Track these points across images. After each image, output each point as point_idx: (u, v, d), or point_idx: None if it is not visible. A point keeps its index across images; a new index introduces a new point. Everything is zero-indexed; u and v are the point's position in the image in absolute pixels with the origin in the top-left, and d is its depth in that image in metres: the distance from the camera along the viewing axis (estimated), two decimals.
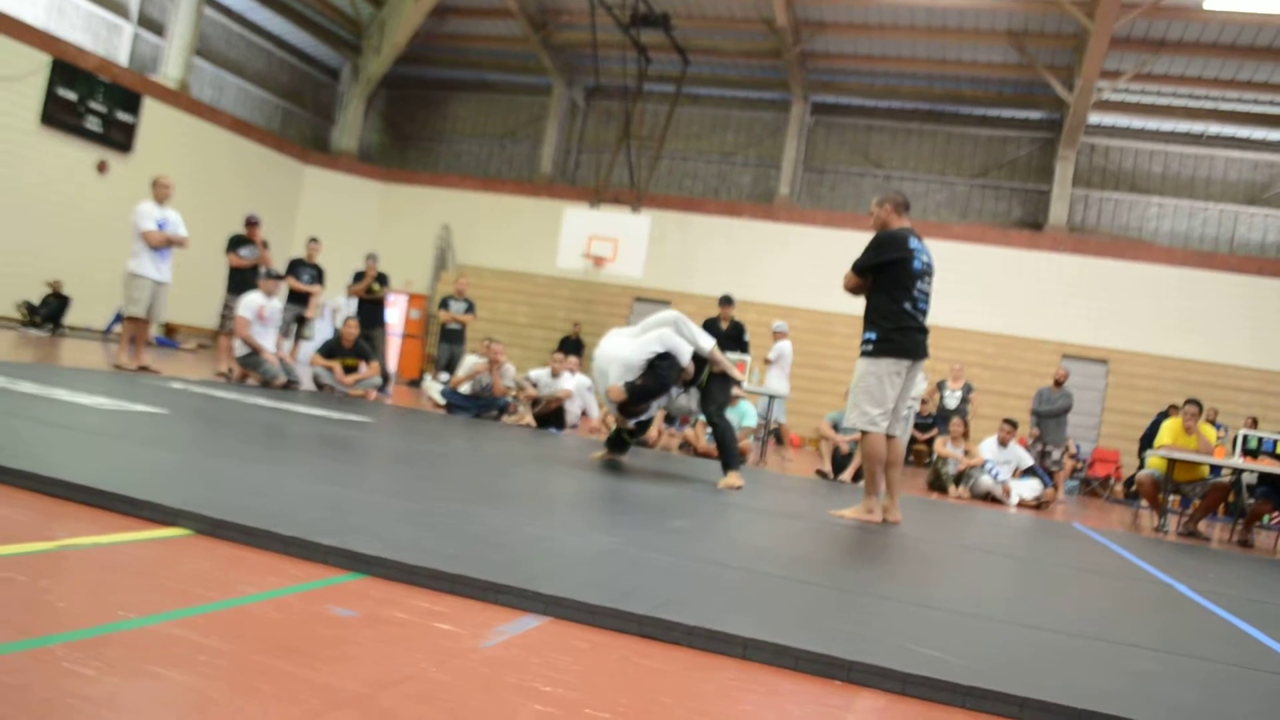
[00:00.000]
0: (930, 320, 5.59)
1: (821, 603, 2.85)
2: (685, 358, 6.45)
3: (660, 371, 6.34)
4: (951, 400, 13.25)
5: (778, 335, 12.55)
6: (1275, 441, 9.08)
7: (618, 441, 7.03)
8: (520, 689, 1.70)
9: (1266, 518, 10.78)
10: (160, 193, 9.05)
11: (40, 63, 14.98)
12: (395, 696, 1.57)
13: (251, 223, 10.55)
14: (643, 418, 6.82)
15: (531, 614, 2.22)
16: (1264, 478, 9.04)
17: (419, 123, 23.76)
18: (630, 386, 6.32)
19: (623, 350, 6.44)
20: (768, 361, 12.38)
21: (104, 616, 1.76)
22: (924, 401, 14.82)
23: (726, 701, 1.84)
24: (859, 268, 5.53)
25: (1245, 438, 9.19)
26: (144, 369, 8.73)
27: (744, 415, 9.66)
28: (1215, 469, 9.32)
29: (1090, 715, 1.96)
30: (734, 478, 6.33)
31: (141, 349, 9.13)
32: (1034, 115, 19.60)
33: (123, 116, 16.54)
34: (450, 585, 2.32)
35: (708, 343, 6.71)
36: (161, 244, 8.88)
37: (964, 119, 20.07)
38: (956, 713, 1.97)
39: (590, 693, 1.74)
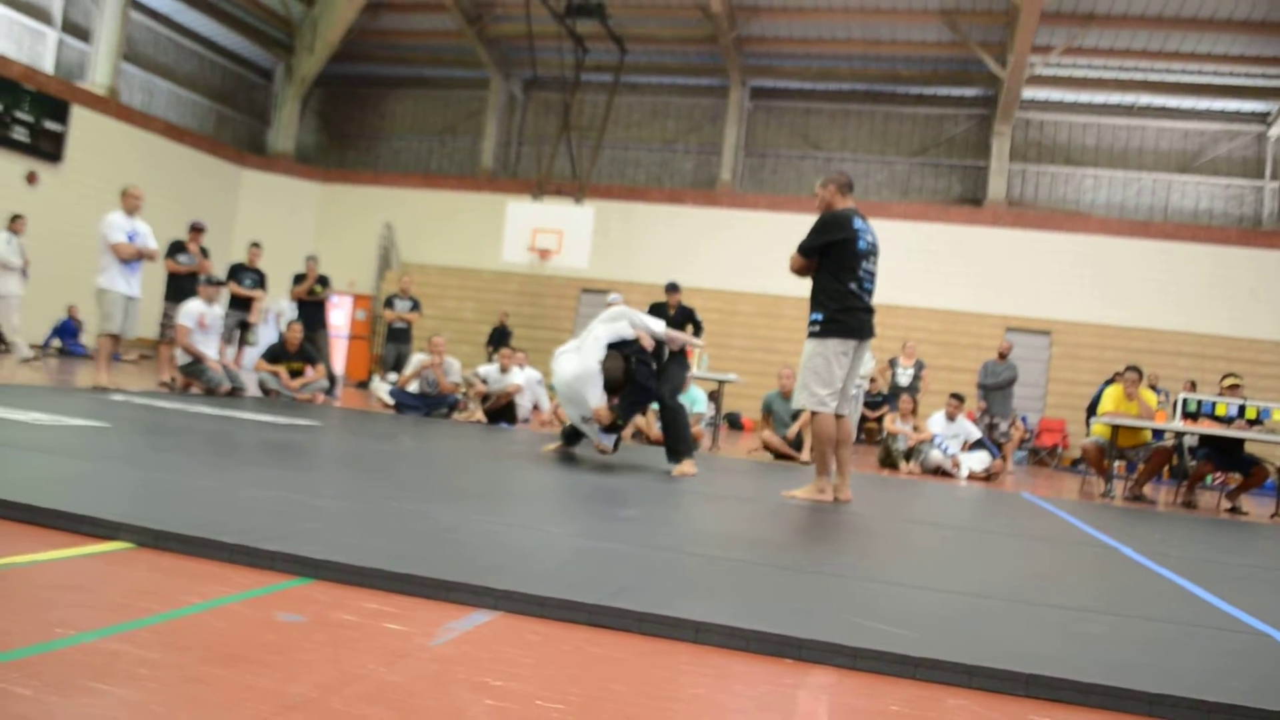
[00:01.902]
0: (875, 299, 5.63)
1: (773, 583, 2.86)
2: (639, 334, 6.37)
3: (635, 366, 6.31)
4: (904, 378, 13.28)
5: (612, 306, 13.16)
6: (1214, 404, 9.28)
7: (572, 434, 6.92)
8: (471, 685, 1.69)
9: (1209, 478, 11.03)
10: (130, 203, 8.62)
11: None
12: (344, 699, 1.55)
13: (196, 229, 10.36)
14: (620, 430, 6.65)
15: (482, 609, 2.21)
16: (1205, 440, 9.25)
17: (356, 121, 23.51)
18: (619, 407, 6.29)
19: (578, 365, 6.24)
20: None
21: (42, 635, 1.72)
22: (873, 380, 14.96)
23: (679, 685, 1.84)
24: (804, 249, 5.55)
25: (1185, 401, 9.39)
26: (115, 388, 8.25)
27: (694, 401, 9.69)
28: (1158, 433, 9.51)
29: (1038, 679, 1.99)
30: (688, 465, 6.29)
31: (110, 366, 8.69)
32: (969, 92, 19.84)
33: (51, 125, 16.19)
34: (399, 585, 2.30)
35: (659, 325, 6.64)
36: (132, 257, 8.45)
37: (901, 98, 20.27)
38: (907, 684, 1.99)
39: (542, 685, 1.73)
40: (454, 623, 2.09)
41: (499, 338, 16.22)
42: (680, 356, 6.81)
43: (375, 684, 1.64)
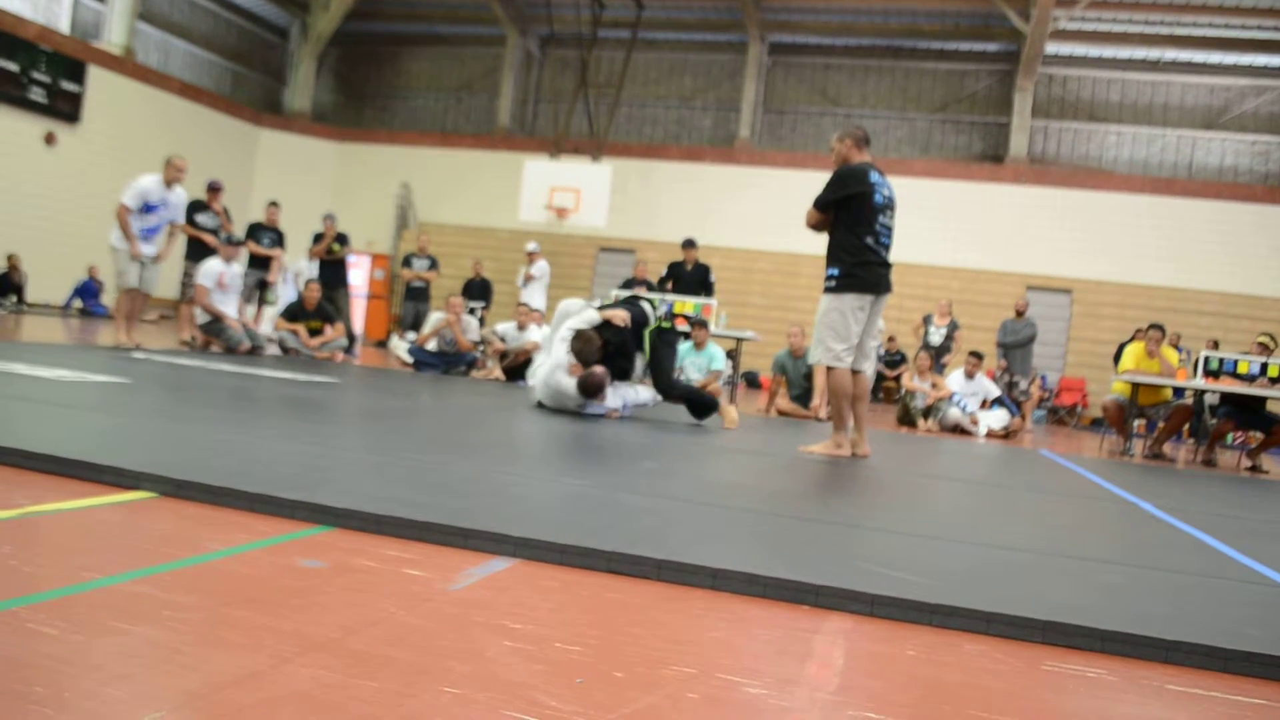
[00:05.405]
0: (894, 256, 5.59)
1: (790, 533, 2.87)
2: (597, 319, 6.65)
3: (613, 341, 6.50)
4: (936, 336, 12.76)
5: (532, 256, 14.21)
6: (1236, 362, 9.21)
7: None
8: (489, 627, 1.70)
9: (1229, 437, 10.97)
10: (170, 174, 8.39)
11: None
12: (364, 640, 1.57)
13: (213, 188, 10.36)
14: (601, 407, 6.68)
15: (500, 556, 2.23)
16: (1226, 398, 9.19)
17: (373, 80, 23.41)
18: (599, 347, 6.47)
19: (549, 365, 6.61)
20: (530, 276, 14.14)
21: (68, 578, 1.74)
22: (890, 338, 14.91)
23: (697, 629, 1.85)
24: (820, 203, 5.52)
25: (1207, 359, 9.32)
26: (136, 346, 8.22)
27: (712, 359, 9.68)
28: (1178, 391, 9.45)
29: (1057, 626, 1.99)
30: (730, 413, 6.63)
31: (134, 325, 8.63)
32: (991, 48, 19.57)
33: (68, 86, 16.17)
34: (419, 532, 2.31)
35: (591, 315, 6.73)
36: (124, 227, 8.17)
37: (922, 54, 20.01)
38: (924, 630, 2.00)
39: (560, 628, 1.75)
40: (473, 569, 2.10)
41: (476, 290, 15.19)
42: (669, 335, 6.85)
43: (395, 626, 1.66)
